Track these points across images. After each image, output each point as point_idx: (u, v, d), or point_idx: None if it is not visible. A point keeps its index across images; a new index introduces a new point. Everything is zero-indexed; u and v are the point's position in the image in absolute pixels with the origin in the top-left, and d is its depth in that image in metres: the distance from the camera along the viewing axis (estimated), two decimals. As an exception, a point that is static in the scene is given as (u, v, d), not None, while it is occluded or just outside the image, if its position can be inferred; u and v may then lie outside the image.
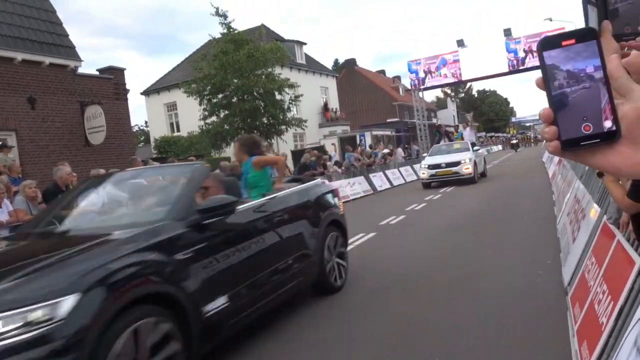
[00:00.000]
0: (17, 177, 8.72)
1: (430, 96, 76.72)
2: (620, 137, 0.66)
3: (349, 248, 7.57)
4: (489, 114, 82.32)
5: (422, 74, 29.98)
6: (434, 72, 29.71)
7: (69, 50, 13.08)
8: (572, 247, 4.73)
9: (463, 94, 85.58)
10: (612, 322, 2.43)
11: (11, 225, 6.85)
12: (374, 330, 4.08)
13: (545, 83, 0.73)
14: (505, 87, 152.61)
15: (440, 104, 67.59)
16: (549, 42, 0.74)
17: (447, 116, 53.64)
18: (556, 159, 13.33)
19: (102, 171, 8.13)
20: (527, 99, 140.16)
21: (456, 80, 30.61)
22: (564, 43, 0.72)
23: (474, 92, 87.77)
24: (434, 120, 45.78)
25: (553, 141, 0.70)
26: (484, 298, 4.52)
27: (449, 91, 78.25)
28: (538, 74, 0.76)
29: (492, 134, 60.63)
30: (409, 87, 33.80)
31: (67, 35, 13.28)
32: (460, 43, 29.18)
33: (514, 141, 47.53)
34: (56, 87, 12.52)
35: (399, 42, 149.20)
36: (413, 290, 5.05)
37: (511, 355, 3.34)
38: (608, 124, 0.67)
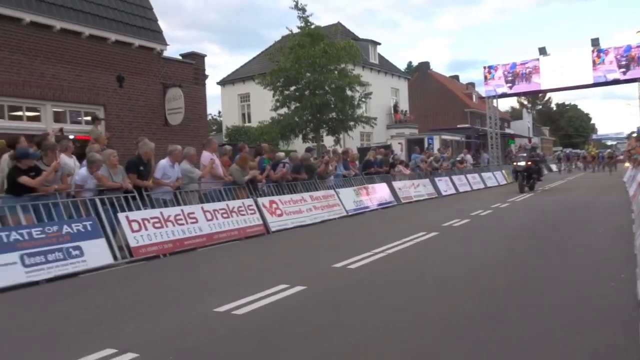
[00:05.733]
0: (103, 147, 9.36)
1: (505, 105, 73.97)
2: None
3: (407, 244, 7.56)
4: (567, 129, 78.23)
5: (498, 81, 29.04)
6: (511, 80, 28.69)
7: (157, 35, 13.84)
8: (651, 262, 4.46)
9: (540, 106, 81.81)
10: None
11: (97, 189, 7.42)
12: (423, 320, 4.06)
13: None
14: (587, 102, 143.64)
15: (516, 114, 64.98)
16: None
17: (522, 127, 51.46)
18: (638, 179, 12.49)
19: (179, 147, 8.57)
20: (611, 116, 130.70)
21: (534, 89, 29.41)
22: None
23: (553, 105, 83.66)
24: (507, 131, 44.17)
25: None
26: (548, 304, 4.35)
27: (525, 102, 75.09)
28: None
29: (569, 149, 57.28)
30: (483, 94, 32.79)
31: (156, 20, 14.05)
32: (543, 51, 27.98)
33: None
34: (142, 68, 13.30)
35: (476, 49, 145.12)
36: (472, 289, 4.96)
37: None
38: None
